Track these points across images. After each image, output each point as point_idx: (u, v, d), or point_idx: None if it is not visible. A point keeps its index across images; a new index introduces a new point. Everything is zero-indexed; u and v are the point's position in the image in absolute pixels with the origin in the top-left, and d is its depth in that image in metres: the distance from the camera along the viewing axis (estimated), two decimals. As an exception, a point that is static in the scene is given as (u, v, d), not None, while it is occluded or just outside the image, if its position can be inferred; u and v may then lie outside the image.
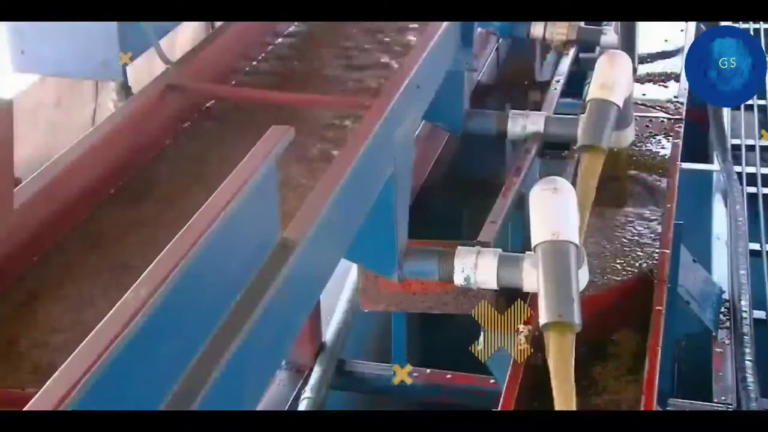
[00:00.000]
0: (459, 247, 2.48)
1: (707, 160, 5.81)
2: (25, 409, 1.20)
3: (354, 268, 3.85)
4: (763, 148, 5.75)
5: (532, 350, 2.48)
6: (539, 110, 3.40)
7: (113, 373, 1.28)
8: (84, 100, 3.73)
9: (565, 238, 2.23)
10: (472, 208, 4.67)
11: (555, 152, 3.42)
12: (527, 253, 2.36)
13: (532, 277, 2.33)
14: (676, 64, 4.35)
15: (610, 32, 3.95)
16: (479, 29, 3.65)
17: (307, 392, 4.27)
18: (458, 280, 2.45)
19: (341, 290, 4.55)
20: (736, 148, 5.71)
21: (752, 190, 5.40)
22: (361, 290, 2.74)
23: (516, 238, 3.07)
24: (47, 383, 1.22)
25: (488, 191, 3.12)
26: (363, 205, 2.25)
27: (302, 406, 4.22)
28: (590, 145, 2.86)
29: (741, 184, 5.30)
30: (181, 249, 1.47)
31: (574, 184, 2.61)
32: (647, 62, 4.40)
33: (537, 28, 3.90)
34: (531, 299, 2.56)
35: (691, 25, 4.50)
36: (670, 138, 3.72)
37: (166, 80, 2.47)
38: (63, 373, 1.24)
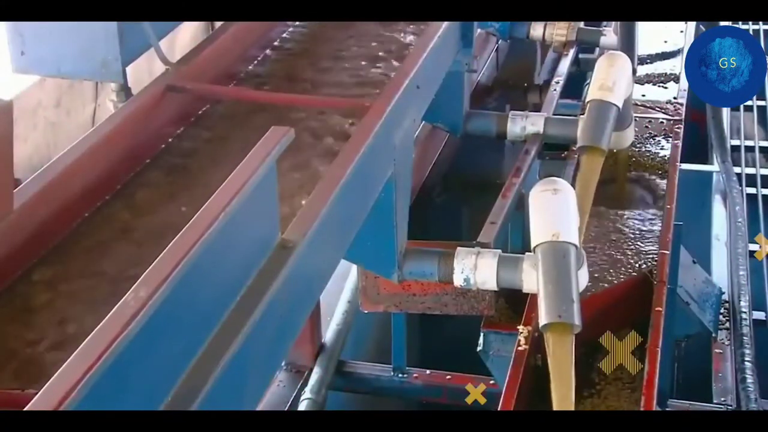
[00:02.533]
0: (458, 248, 2.47)
1: (707, 160, 5.82)
2: (26, 409, 1.20)
3: (354, 269, 3.86)
4: (762, 149, 5.75)
5: (531, 351, 2.49)
6: (539, 111, 3.39)
7: (113, 374, 1.28)
8: (84, 101, 3.73)
9: (564, 239, 2.22)
10: (471, 209, 4.67)
11: (554, 153, 3.44)
12: (527, 254, 2.36)
13: (531, 277, 2.31)
14: (676, 65, 4.37)
15: (609, 33, 3.95)
16: (479, 30, 3.64)
17: (307, 393, 4.25)
18: (458, 281, 2.44)
19: (341, 291, 4.53)
20: (735, 149, 5.72)
21: (752, 191, 5.40)
22: (361, 291, 2.74)
23: (516, 239, 3.07)
24: (47, 384, 1.22)
25: (488, 192, 3.12)
26: (363, 206, 2.25)
27: (302, 407, 4.20)
28: (590, 146, 2.86)
29: (740, 184, 5.30)
30: (181, 249, 1.46)
31: (573, 185, 2.62)
32: (647, 63, 4.41)
33: (537, 29, 3.89)
34: (530, 300, 2.58)
35: (691, 26, 4.50)
36: (670, 139, 3.72)
37: (165, 81, 2.46)
38: (63, 373, 1.23)
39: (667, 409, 3.80)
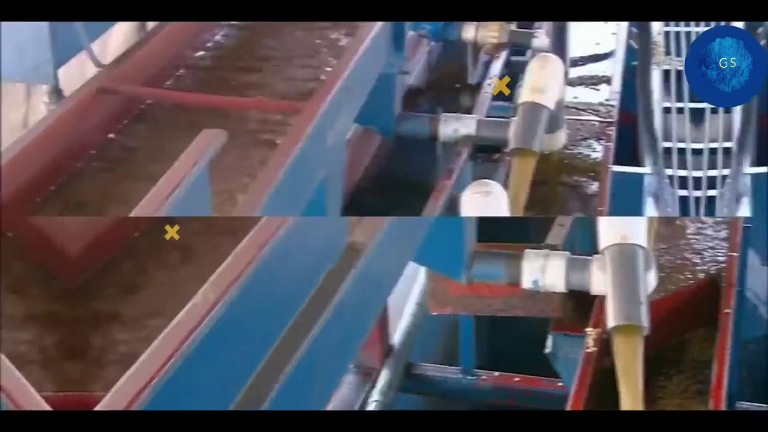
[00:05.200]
0: (527, 250, 2.43)
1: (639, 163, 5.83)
2: (95, 409, 1.15)
3: (422, 271, 3.74)
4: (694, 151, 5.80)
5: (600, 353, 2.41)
6: (471, 113, 3.27)
7: (182, 375, 1.23)
8: (15, 103, 3.54)
9: (633, 242, 2.22)
10: (402, 212, 4.57)
11: (488, 155, 3.33)
12: (595, 256, 2.34)
13: (600, 279, 2.31)
14: (608, 68, 4.34)
15: (541, 35, 3.79)
16: (410, 32, 3.48)
17: (375, 395, 4.13)
18: (526, 283, 2.42)
19: (410, 293, 4.44)
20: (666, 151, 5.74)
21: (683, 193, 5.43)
22: (429, 293, 2.74)
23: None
24: (115, 386, 1.17)
25: (419, 193, 3.00)
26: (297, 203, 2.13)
27: (370, 409, 4.06)
28: (521, 148, 2.77)
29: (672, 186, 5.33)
30: (249, 252, 1.41)
31: (505, 186, 2.61)
32: (579, 65, 4.39)
33: (468, 31, 3.76)
34: (599, 302, 2.50)
35: (623, 26, 4.49)
36: (602, 141, 3.66)
37: (98, 82, 2.35)
38: (132, 376, 1.19)
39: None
